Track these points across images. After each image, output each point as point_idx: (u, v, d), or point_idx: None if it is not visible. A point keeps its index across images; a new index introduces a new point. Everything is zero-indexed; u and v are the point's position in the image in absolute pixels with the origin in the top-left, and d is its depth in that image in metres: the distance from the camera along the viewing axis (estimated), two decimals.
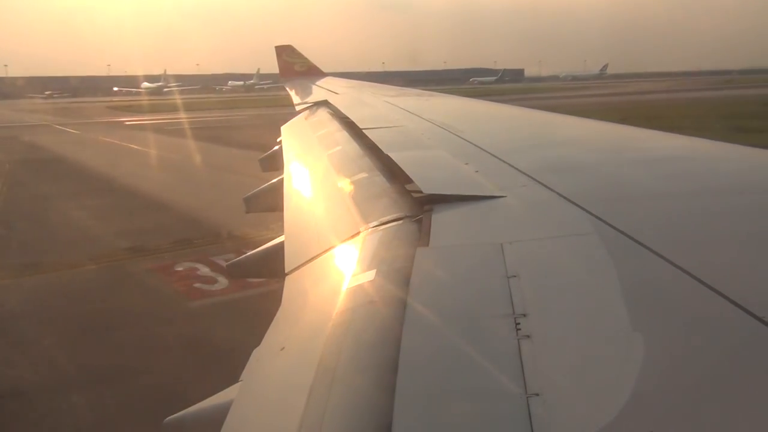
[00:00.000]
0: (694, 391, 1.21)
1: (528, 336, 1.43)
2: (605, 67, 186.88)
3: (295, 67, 17.75)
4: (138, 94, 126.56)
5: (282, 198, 4.01)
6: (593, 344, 1.43)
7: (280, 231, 3.26)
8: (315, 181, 4.36)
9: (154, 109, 71.89)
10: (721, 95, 64.58)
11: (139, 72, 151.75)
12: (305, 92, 12.52)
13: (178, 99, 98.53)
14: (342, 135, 5.67)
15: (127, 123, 54.58)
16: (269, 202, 4.96)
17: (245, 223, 14.96)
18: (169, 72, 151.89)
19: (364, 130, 4.98)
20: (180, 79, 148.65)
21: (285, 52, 18.02)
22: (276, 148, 7.32)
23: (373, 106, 7.88)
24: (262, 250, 3.44)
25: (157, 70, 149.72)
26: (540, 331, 1.47)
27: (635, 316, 1.47)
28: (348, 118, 6.38)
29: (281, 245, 2.96)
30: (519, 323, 1.50)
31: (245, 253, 3.65)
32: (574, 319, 1.56)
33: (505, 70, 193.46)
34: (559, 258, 1.96)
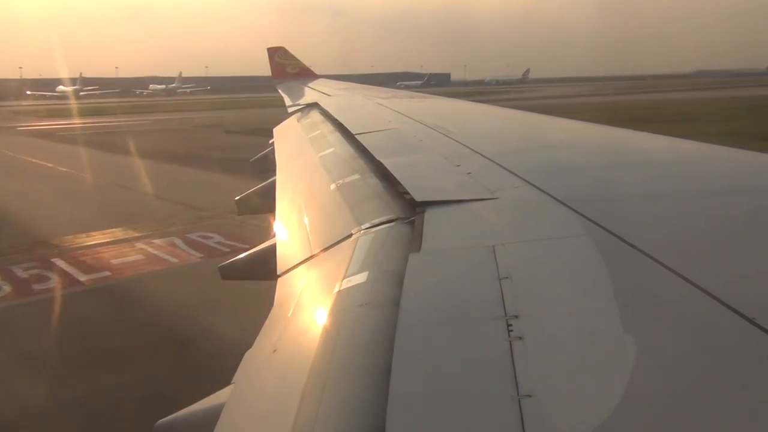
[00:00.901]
0: (686, 393, 1.21)
1: (520, 338, 1.43)
2: (527, 71, 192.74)
3: (287, 68, 17.45)
4: (52, 98, 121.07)
5: (274, 200, 3.98)
6: (585, 346, 1.42)
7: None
8: (307, 183, 4.32)
9: (58, 114, 69.96)
10: (617, 99, 68.53)
11: (56, 74, 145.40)
12: (297, 94, 12.38)
13: (91, 103, 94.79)
14: (334, 137, 5.63)
15: (20, 128, 52.62)
16: (261, 204, 4.94)
17: (69, 231, 14.78)
18: (87, 75, 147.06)
19: (356, 136, 4.93)
20: (98, 82, 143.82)
21: (277, 54, 17.68)
22: (268, 149, 7.23)
23: (365, 108, 7.83)
24: (255, 251, 3.40)
25: (74, 73, 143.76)
26: (532, 332, 1.46)
27: (627, 318, 1.47)
28: (340, 121, 6.35)
29: (274, 247, 2.95)
30: (511, 325, 1.50)
31: (238, 255, 3.61)
32: (566, 321, 1.55)
33: (431, 74, 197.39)
34: (551, 260, 1.95)
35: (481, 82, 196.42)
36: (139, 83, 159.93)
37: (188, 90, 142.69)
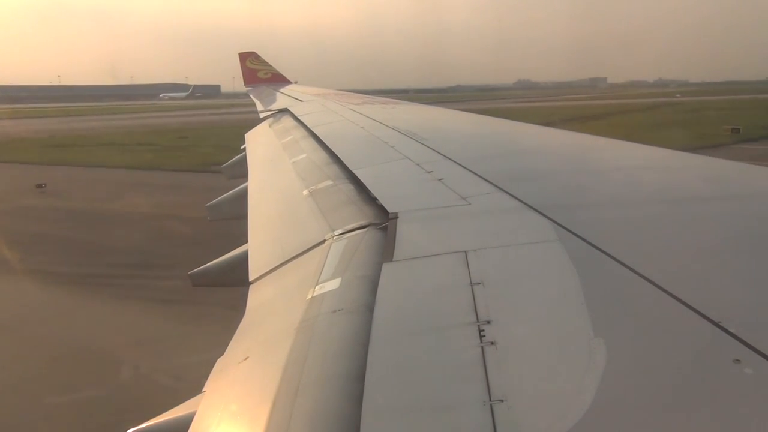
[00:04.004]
0: (656, 395, 1.22)
1: (492, 343, 1.44)
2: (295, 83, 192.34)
3: (259, 74, 17.50)
4: None
5: (246, 205, 3.91)
6: (556, 350, 1.44)
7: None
8: (279, 189, 4.26)
9: None
10: None
11: None
12: (269, 100, 12.31)
13: None
14: (307, 142, 5.60)
15: None
16: (233, 210, 4.92)
17: None
18: None
19: (328, 143, 4.95)
20: None
21: (249, 59, 17.61)
22: (240, 155, 7.20)
23: (337, 114, 7.82)
24: (227, 258, 3.34)
25: None
26: (504, 337, 1.47)
27: (597, 322, 1.49)
28: (311, 129, 6.31)
29: (246, 253, 2.90)
30: (483, 330, 1.50)
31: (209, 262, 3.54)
32: (538, 326, 1.57)
33: (195, 85, 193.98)
34: (522, 265, 1.97)
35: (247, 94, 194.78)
36: None
37: None
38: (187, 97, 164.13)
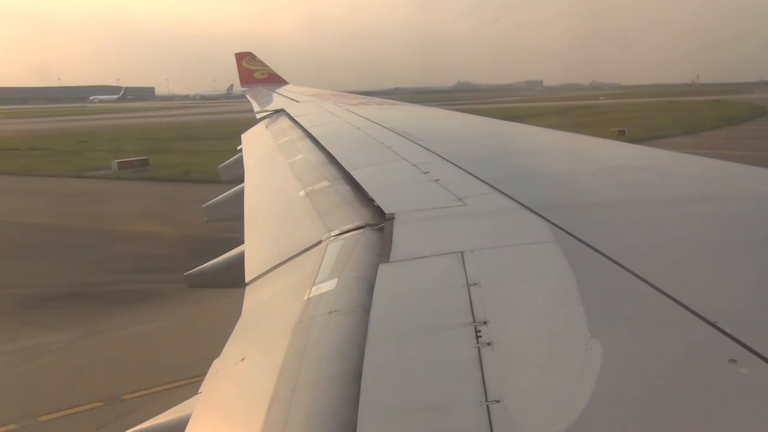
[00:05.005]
0: (652, 395, 1.22)
1: (489, 343, 1.44)
2: (231, 87, 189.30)
3: (256, 74, 17.29)
4: None
5: (242, 206, 3.91)
6: (553, 351, 1.43)
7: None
8: (276, 190, 4.27)
9: None
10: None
11: None
12: (266, 100, 12.28)
13: None
14: (303, 143, 5.59)
15: None
16: (229, 211, 4.94)
17: None
18: None
19: (325, 144, 4.94)
20: None
21: (245, 59, 17.39)
22: (237, 156, 7.19)
23: (334, 115, 7.75)
24: (223, 259, 3.35)
25: None
26: (500, 338, 1.47)
27: (593, 323, 1.48)
28: (308, 130, 6.29)
29: (242, 254, 2.90)
30: (480, 331, 1.50)
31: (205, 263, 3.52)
32: (534, 326, 1.56)
33: (127, 88, 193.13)
34: (518, 266, 1.96)
35: (186, 97, 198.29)
36: None
37: None
38: (118, 100, 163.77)
